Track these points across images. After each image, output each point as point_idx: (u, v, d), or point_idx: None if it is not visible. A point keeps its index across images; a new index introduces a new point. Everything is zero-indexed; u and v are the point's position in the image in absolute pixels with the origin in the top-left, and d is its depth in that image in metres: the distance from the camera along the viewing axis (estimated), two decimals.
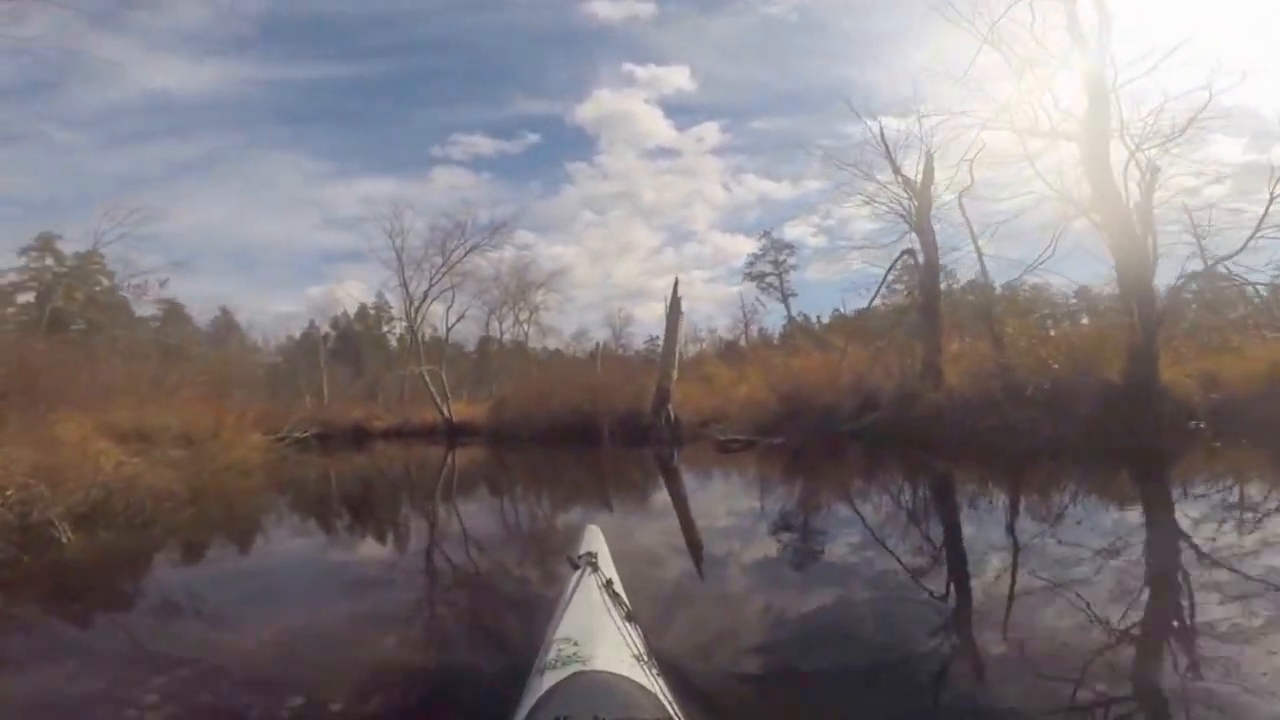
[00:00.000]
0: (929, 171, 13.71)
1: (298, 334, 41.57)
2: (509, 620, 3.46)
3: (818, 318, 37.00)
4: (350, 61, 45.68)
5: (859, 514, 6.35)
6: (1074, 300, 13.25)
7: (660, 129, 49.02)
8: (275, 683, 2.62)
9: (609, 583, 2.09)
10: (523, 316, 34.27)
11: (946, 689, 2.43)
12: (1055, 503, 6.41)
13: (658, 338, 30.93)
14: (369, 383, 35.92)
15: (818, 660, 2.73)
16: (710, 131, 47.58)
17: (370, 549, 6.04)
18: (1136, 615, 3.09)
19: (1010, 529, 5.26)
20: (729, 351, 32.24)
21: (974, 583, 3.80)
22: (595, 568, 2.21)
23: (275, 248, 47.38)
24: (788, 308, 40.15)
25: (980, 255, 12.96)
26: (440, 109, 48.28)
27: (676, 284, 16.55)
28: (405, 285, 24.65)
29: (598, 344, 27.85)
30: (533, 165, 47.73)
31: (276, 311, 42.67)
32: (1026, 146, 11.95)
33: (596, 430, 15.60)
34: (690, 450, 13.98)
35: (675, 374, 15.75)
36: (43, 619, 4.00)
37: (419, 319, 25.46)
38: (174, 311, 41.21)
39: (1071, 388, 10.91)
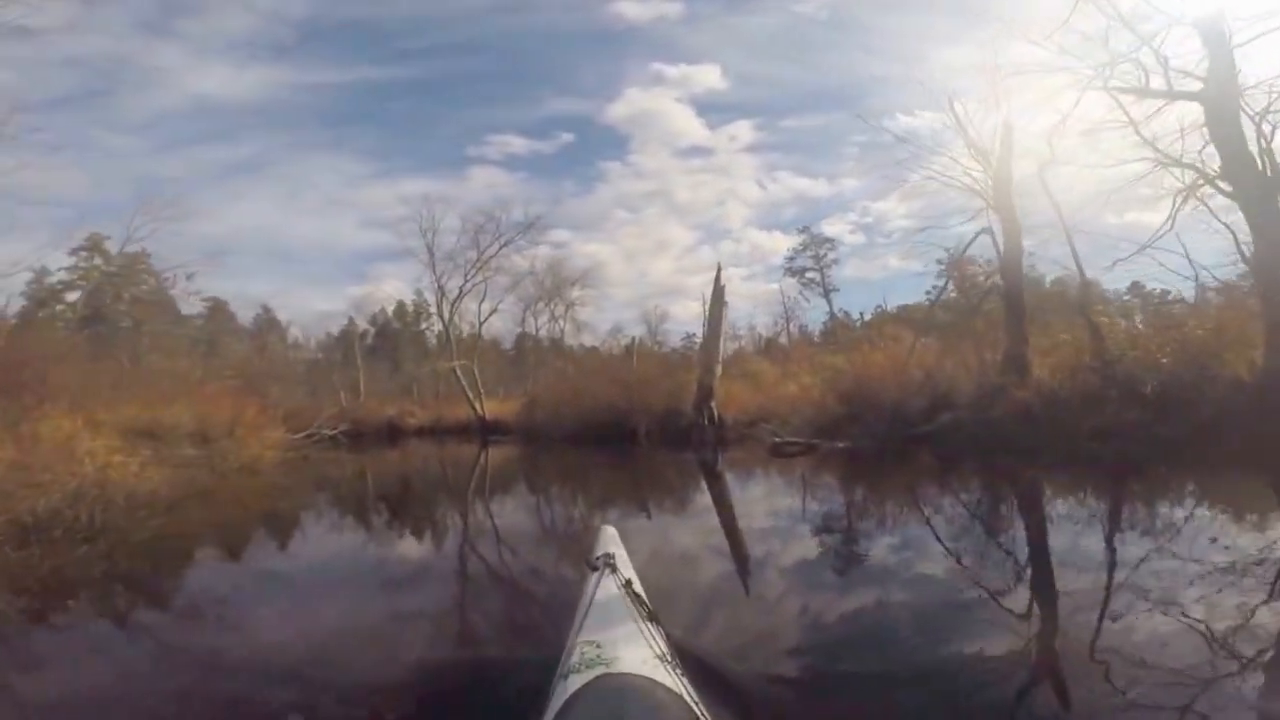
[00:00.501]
0: (1008, 142, 12.10)
1: (336, 331, 42.07)
2: (532, 623, 3.40)
3: (860, 314, 35.42)
4: (387, 65, 46.61)
5: (953, 530, 5.39)
6: (1191, 284, 11.30)
7: (692, 128, 47.31)
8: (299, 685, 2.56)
9: (628, 583, 2.04)
10: (558, 312, 33.45)
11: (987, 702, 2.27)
12: (1171, 515, 5.40)
13: (695, 335, 29.86)
14: (405, 380, 35.90)
15: (863, 666, 2.63)
16: (743, 129, 46.96)
17: (384, 569, 5.00)
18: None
19: (1116, 542, 4.56)
20: (770, 349, 30.77)
21: (1060, 600, 3.36)
22: (614, 569, 2.15)
23: (317, 247, 48.04)
24: (829, 304, 38.55)
25: (1069, 235, 11.29)
26: (474, 109, 48.02)
27: (720, 271, 15.26)
28: (438, 280, 23.95)
29: (633, 339, 26.52)
30: (566, 164, 46.38)
31: (318, 310, 43.48)
32: (1130, 112, 10.25)
33: (632, 430, 14.44)
34: (737, 453, 12.71)
35: (719, 369, 14.49)
36: None
37: (452, 314, 24.76)
38: (218, 309, 41.91)
39: (1189, 384, 9.25)
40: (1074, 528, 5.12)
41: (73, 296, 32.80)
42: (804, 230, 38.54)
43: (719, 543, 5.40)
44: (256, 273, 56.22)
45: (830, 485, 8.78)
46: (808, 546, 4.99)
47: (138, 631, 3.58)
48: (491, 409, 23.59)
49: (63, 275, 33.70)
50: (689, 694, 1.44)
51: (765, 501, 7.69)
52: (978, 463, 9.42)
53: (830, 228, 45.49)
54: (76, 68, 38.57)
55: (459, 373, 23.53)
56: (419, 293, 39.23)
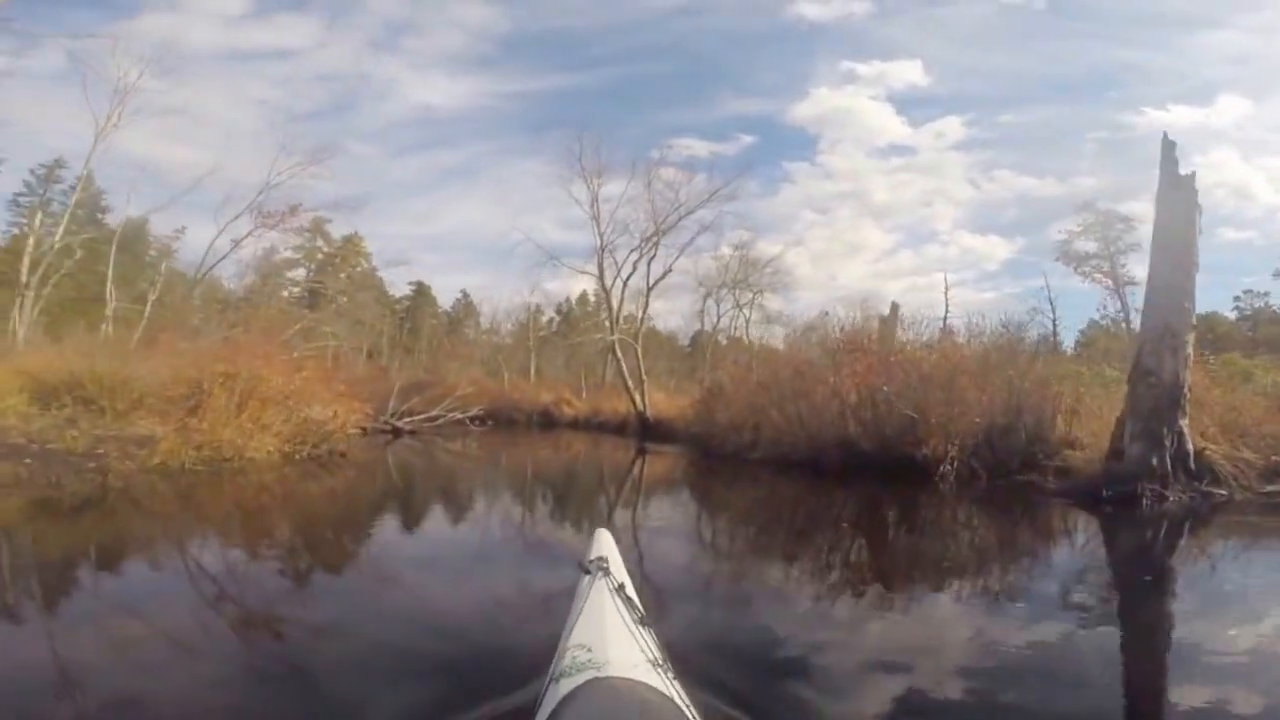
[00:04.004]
0: None
1: (523, 317, 41.51)
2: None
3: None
4: (578, 71, 46.74)
5: None
6: None
7: (891, 125, 42.55)
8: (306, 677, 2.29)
9: (621, 587, 1.89)
10: (743, 300, 26.34)
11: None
12: None
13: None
14: (578, 368, 32.48)
15: None
16: (951, 126, 41.69)
17: None
18: None
19: None
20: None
21: None
22: (607, 572, 1.98)
23: (520, 243, 49.27)
24: (1122, 299, 25.99)
25: None
26: (657, 113, 46.98)
27: (1171, 147, 6.59)
28: (601, 237, 18.11)
29: (894, 305, 15.24)
30: (749, 166, 44.62)
31: (513, 302, 44.59)
32: None
33: (922, 460, 6.85)
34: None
35: (1191, 349, 6.01)
36: None
37: (614, 281, 18.77)
38: (421, 292, 43.53)
39: None
40: None
41: (296, 273, 34.10)
42: (1087, 206, 26.88)
43: None
44: (469, 267, 59.65)
45: None
46: None
47: None
48: (655, 404, 17.28)
49: (289, 254, 35.47)
50: (680, 698, 1.38)
51: None
52: None
53: (1059, 232, 36.73)
54: (326, 83, 43.45)
55: (618, 350, 17.53)
56: (600, 281, 36.50)
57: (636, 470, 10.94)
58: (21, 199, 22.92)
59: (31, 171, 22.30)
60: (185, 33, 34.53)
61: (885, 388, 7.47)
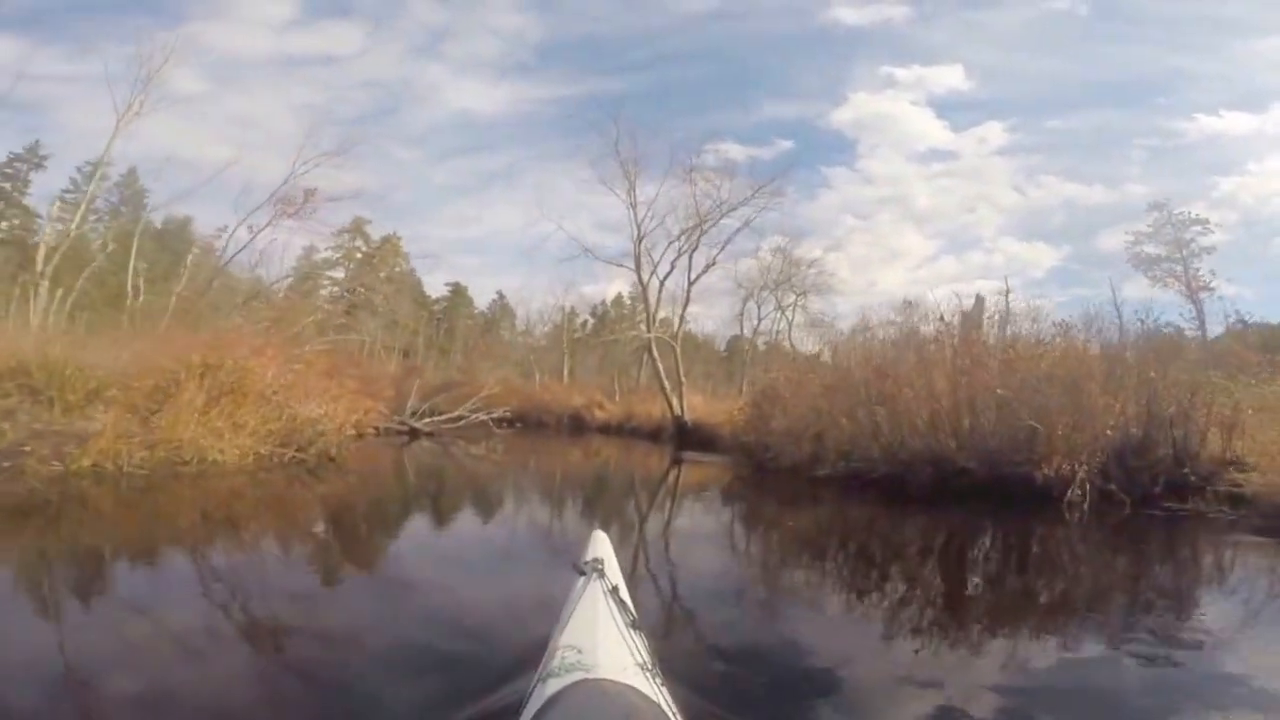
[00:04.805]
0: None
1: (557, 319, 41.24)
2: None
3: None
4: (614, 77, 46.48)
5: None
6: None
7: (932, 130, 41.19)
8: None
9: (614, 589, 1.85)
10: (786, 302, 24.68)
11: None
12: None
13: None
14: (609, 371, 31.45)
15: None
16: (994, 131, 40.16)
17: None
18: None
19: None
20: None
21: None
22: (601, 574, 1.94)
23: (557, 247, 49.65)
24: (1196, 306, 23.25)
25: None
26: (694, 118, 46.82)
27: None
28: (638, 226, 16.77)
29: (978, 297, 11.77)
30: (785, 171, 42.80)
31: (547, 303, 44.71)
32: None
33: (1042, 481, 5.28)
34: None
35: None
36: None
37: (651, 277, 17.38)
38: (458, 292, 43.75)
39: None
40: None
41: (335, 273, 34.44)
42: (1157, 206, 24.47)
43: None
44: (506, 270, 60.09)
45: None
46: None
47: None
48: (694, 407, 15.86)
49: (328, 254, 35.98)
50: (666, 703, 1.36)
51: None
52: None
53: (1109, 240, 39.47)
54: (370, 88, 43.90)
55: (654, 350, 16.20)
56: (635, 285, 35.86)
57: (672, 483, 9.58)
58: (67, 195, 23.33)
59: (78, 169, 22.66)
60: (232, 38, 35.46)
61: (1000, 390, 5.89)
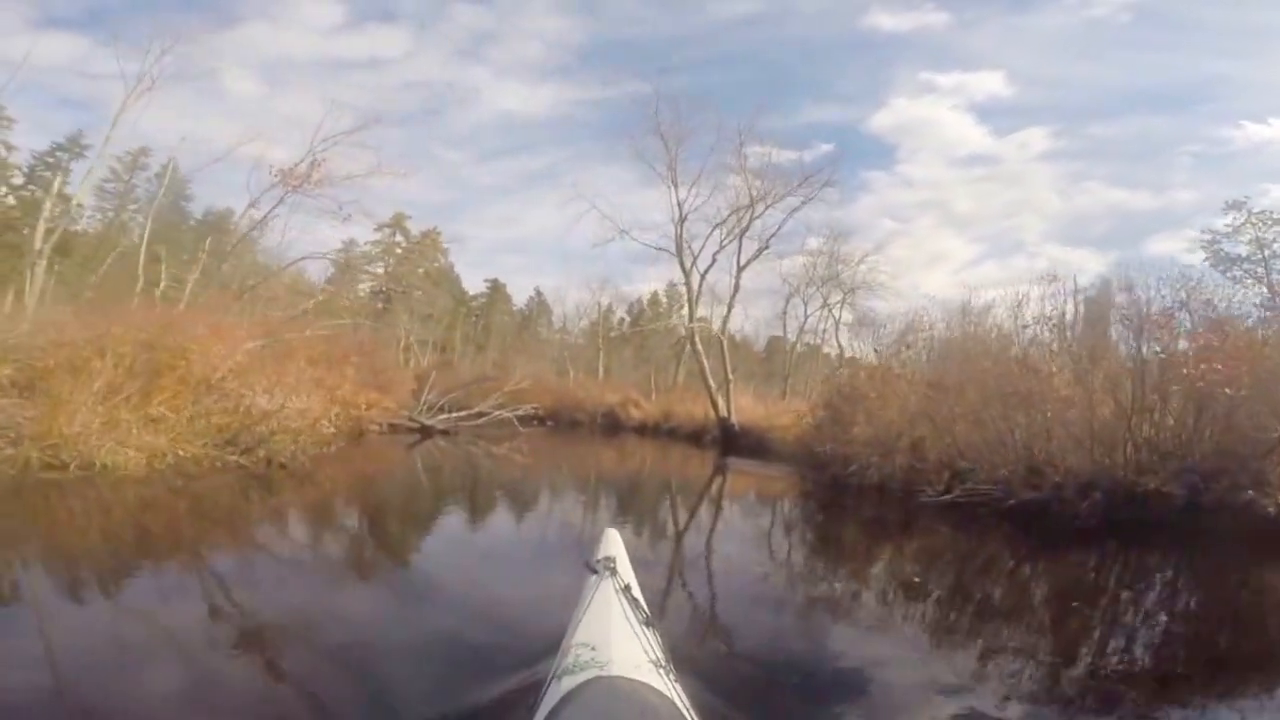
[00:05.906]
0: None
1: (594, 315, 40.59)
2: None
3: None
4: (655, 80, 46.54)
5: None
6: None
7: (972, 135, 40.97)
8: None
9: (627, 588, 1.84)
10: (833, 300, 22.43)
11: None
12: None
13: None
14: (645, 369, 30.04)
15: None
16: (1036, 137, 40.90)
17: None
18: None
19: None
20: None
21: None
22: (614, 572, 1.93)
23: (592, 231, 49.30)
24: None
25: None
26: (733, 120, 44.39)
27: None
28: (679, 206, 14.99)
29: (1105, 280, 8.27)
30: (835, 161, 41.75)
31: (583, 298, 44.19)
32: None
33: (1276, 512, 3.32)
34: None
35: None
36: None
37: (692, 266, 15.54)
38: (497, 289, 43.47)
39: None
40: None
41: (375, 267, 34.56)
42: (1234, 204, 21.79)
43: None
44: (546, 270, 59.55)
45: None
46: None
47: None
48: (741, 409, 14.06)
49: (367, 248, 36.26)
50: (681, 700, 1.33)
51: None
52: None
53: (1158, 246, 35.15)
54: (415, 90, 44.04)
55: (697, 343, 14.44)
56: (672, 285, 34.52)
57: (724, 498, 7.81)
58: (108, 185, 23.19)
59: (119, 159, 22.48)
60: (281, 41, 35.70)
61: (1229, 390, 3.97)
